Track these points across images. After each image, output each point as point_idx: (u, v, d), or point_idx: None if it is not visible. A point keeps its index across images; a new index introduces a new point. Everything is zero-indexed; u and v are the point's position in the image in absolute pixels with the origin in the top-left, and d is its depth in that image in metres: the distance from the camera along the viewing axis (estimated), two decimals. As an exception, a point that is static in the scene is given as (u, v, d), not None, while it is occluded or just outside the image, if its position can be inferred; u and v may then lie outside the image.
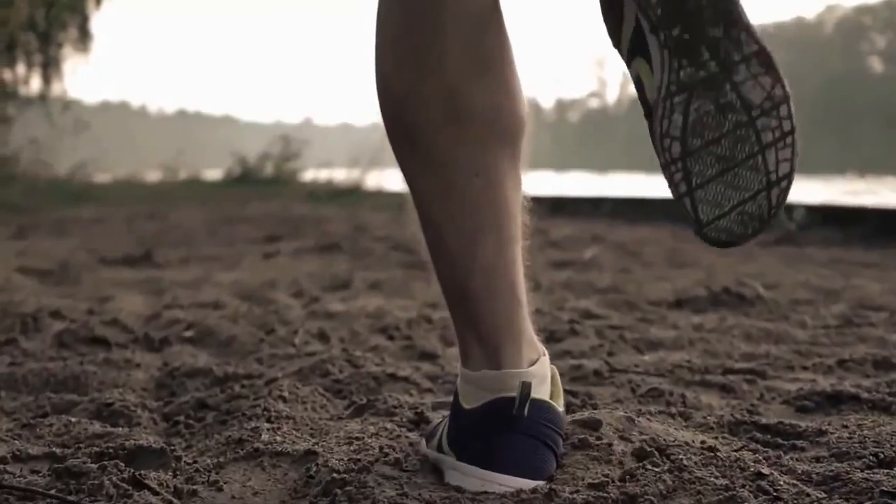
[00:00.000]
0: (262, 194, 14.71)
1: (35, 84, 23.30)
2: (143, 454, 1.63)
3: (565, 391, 1.75)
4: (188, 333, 2.81)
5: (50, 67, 23.41)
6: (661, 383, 2.18)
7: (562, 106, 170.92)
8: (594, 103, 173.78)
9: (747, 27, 1.47)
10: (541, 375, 1.60)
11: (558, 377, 1.65)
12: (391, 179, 15.72)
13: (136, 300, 3.72)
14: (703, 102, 1.47)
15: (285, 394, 1.95)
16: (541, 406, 1.56)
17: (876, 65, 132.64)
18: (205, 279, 4.83)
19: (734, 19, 1.47)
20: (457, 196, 1.59)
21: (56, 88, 23.86)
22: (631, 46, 1.54)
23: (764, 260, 5.95)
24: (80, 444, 1.71)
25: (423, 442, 1.68)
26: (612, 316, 3.19)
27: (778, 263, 5.67)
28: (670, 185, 1.51)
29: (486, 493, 1.49)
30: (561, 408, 1.61)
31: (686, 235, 7.67)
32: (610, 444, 1.58)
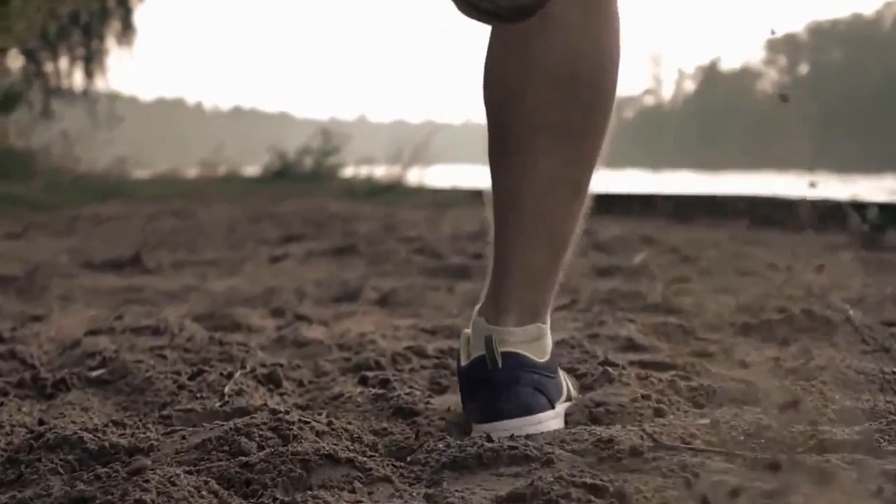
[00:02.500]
0: (301, 190, 14.17)
1: (78, 78, 23.00)
2: None
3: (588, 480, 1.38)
4: (96, 373, 2.12)
5: (93, 62, 23.09)
6: (730, 471, 1.47)
7: (617, 103, 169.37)
8: (649, 101, 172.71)
9: None
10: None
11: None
12: (433, 175, 15.15)
13: (78, 319, 3.06)
14: None
15: (151, 496, 1.26)
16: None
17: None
18: (193, 287, 4.21)
19: None
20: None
21: (99, 83, 23.55)
22: None
23: (838, 266, 5.22)
24: None
25: None
26: (661, 348, 2.48)
27: (855, 271, 4.94)
28: None
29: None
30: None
31: (747, 237, 6.97)
32: None
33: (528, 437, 1.61)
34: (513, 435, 1.63)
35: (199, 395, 1.89)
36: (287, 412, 1.64)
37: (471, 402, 1.74)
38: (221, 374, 1.99)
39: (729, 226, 7.99)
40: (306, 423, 1.59)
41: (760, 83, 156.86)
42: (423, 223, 7.83)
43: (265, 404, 1.79)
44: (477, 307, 1.79)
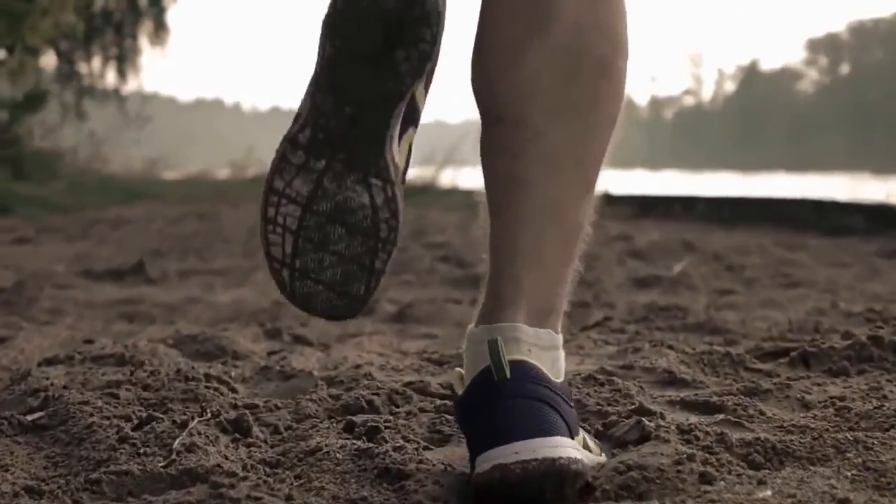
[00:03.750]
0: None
1: (111, 78, 22.89)
2: None
3: None
4: (33, 417, 1.78)
5: (126, 61, 22.98)
6: (803, 575, 1.12)
7: (656, 103, 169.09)
8: (689, 100, 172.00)
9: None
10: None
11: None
12: (467, 177, 14.80)
13: (46, 342, 2.74)
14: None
15: None
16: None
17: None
18: (196, 300, 3.90)
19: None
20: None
21: (132, 83, 23.43)
22: None
23: (892, 276, 4.86)
24: None
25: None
26: (706, 383, 2.12)
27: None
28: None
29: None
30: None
31: (792, 242, 6.61)
32: None
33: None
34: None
35: (142, 450, 1.54)
36: (233, 485, 1.29)
37: (471, 434, 1.44)
38: (174, 421, 1.64)
39: (772, 229, 7.65)
40: (258, 499, 1.25)
41: (801, 83, 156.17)
42: (452, 227, 7.51)
43: (218, 465, 1.44)
44: (470, 326, 1.53)
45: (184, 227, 8.16)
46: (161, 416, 1.68)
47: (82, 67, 22.31)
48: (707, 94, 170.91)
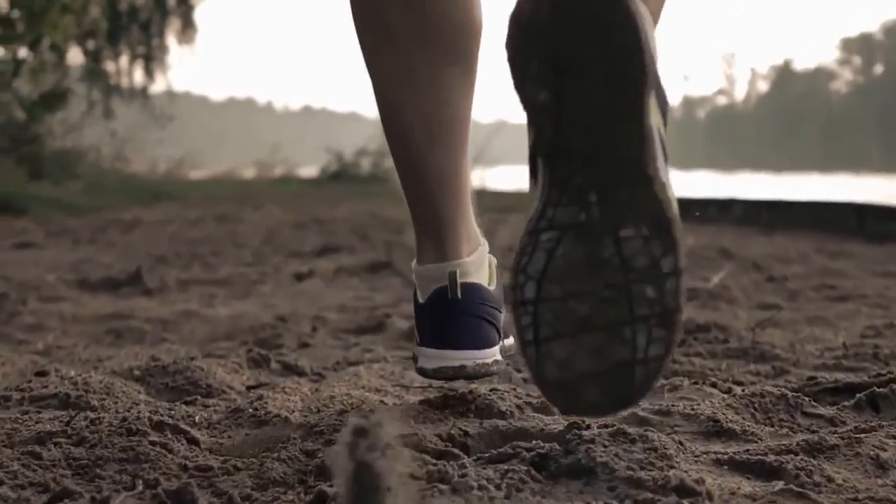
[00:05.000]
0: (358, 193, 13.63)
1: (138, 76, 22.78)
2: None
3: None
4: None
5: (153, 60, 22.86)
6: None
7: (689, 103, 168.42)
8: (722, 100, 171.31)
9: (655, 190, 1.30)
10: (477, 262, 1.84)
11: (494, 263, 1.92)
12: (496, 177, 14.47)
13: (2, 370, 2.41)
14: (573, 249, 1.25)
15: None
16: (472, 287, 1.81)
17: None
18: (192, 314, 3.59)
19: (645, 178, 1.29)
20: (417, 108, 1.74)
21: (160, 81, 23.29)
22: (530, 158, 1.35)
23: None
24: None
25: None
26: (759, 435, 1.77)
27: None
28: (516, 328, 1.28)
29: (442, 367, 1.80)
30: (493, 287, 1.87)
31: (835, 249, 6.25)
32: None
33: None
34: None
35: (46, 540, 1.21)
36: None
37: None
38: (94, 498, 1.30)
39: (812, 234, 7.31)
40: None
41: (835, 83, 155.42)
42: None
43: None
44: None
45: (198, 230, 7.87)
46: (80, 489, 1.34)
47: (109, 66, 22.16)
48: (740, 94, 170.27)
